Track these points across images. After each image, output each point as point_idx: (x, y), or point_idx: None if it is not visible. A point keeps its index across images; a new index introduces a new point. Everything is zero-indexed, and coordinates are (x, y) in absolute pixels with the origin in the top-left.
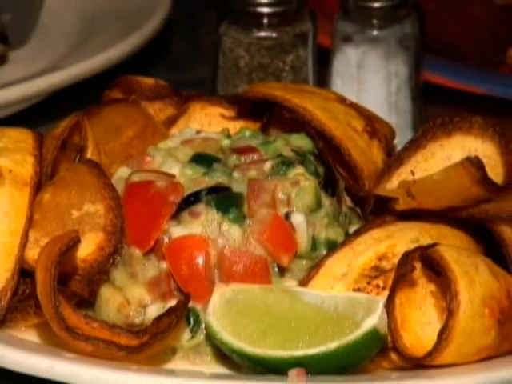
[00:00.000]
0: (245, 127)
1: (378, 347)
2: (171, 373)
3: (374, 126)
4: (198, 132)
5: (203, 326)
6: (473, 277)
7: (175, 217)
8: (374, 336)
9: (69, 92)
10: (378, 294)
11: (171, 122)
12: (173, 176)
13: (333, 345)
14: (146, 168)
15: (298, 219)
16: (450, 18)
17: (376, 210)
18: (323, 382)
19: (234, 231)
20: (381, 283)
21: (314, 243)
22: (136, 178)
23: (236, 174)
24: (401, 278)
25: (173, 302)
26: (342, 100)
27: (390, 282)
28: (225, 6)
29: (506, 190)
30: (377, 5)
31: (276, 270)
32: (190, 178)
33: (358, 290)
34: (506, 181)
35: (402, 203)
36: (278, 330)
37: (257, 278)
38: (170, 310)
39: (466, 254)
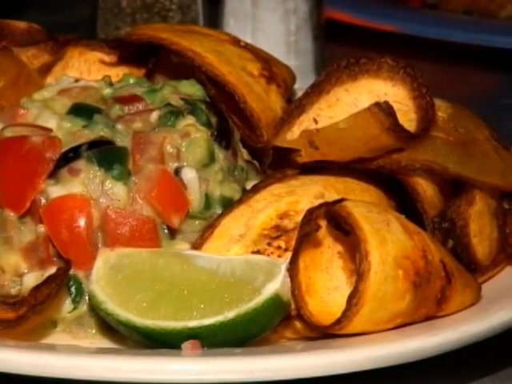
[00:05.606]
0: (128, 74)
1: (281, 315)
2: (52, 348)
3: (271, 69)
4: (76, 80)
5: (86, 295)
6: (384, 235)
7: (53, 175)
8: (275, 303)
9: None
10: (279, 256)
11: (46, 69)
12: (49, 130)
13: (230, 314)
14: (20, 122)
15: (188, 175)
16: None
17: (276, 163)
18: (220, 356)
19: (118, 189)
20: (283, 244)
21: (208, 201)
22: (8, 134)
23: (119, 126)
24: (305, 237)
25: (52, 270)
26: (236, 42)
27: (292, 243)
28: None
29: (420, 138)
30: None
31: (166, 231)
32: (68, 131)
33: (258, 252)
34: (420, 128)
35: (305, 155)
36: (170, 298)
37: (145, 241)
38: (49, 279)
39: (377, 209)
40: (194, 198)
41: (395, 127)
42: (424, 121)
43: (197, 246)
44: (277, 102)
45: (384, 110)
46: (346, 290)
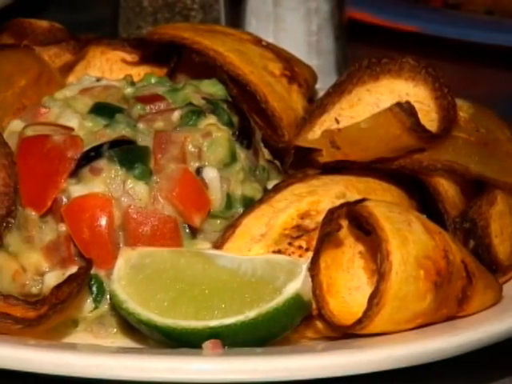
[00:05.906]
0: (150, 73)
1: (302, 315)
2: (73, 347)
3: (293, 69)
4: (98, 79)
5: (107, 294)
6: (405, 235)
7: (74, 174)
8: (296, 302)
9: None
10: (300, 255)
11: (68, 68)
12: (71, 129)
13: (251, 313)
14: (42, 121)
15: (210, 174)
16: None
17: (297, 163)
18: (241, 356)
19: (139, 189)
20: (304, 244)
21: (229, 201)
22: (30, 132)
23: (141, 126)
24: (326, 237)
25: (73, 269)
26: (258, 41)
27: (313, 243)
28: None
29: (441, 138)
30: None
31: (187, 231)
32: (90, 130)
33: (279, 251)
34: (441, 128)
35: (326, 155)
36: (191, 297)
37: (166, 240)
38: (71, 278)
39: (398, 210)
40: (216, 197)
41: (417, 127)
42: (445, 121)
43: (218, 245)
44: (298, 102)
45: (405, 110)
46: (367, 290)
